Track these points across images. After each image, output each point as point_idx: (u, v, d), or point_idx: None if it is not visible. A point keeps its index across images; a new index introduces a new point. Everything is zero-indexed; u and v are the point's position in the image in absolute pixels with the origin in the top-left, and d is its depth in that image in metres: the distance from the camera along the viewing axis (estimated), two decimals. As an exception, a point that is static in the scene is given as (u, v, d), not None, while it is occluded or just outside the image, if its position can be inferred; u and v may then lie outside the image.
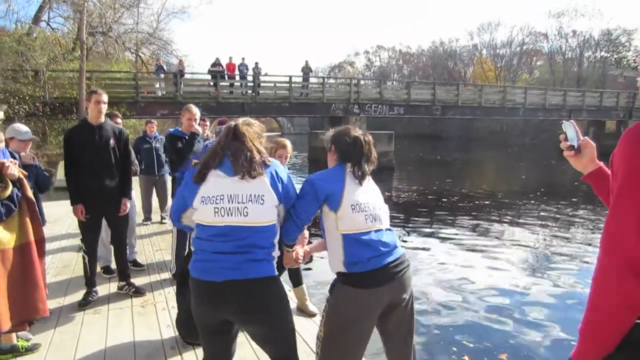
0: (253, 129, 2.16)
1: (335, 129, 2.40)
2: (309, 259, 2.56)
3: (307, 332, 3.51)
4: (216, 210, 1.99)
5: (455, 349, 4.42)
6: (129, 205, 4.21)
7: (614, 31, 44.32)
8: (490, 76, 50.56)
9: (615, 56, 44.27)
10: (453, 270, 6.86)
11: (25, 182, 3.01)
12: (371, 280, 2.09)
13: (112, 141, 4.02)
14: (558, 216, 11.44)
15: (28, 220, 2.99)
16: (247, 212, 1.98)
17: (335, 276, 2.24)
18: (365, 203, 2.17)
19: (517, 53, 51.09)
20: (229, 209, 1.98)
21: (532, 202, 13.41)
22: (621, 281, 1.09)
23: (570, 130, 1.54)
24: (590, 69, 44.76)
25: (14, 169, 2.90)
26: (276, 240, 2.10)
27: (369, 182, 2.28)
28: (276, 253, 2.10)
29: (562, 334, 4.70)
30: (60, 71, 17.42)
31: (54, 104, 16.16)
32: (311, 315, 3.86)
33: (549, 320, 5.07)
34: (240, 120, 2.18)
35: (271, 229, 2.05)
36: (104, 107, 3.95)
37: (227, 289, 1.94)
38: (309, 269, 6.55)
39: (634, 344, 1.11)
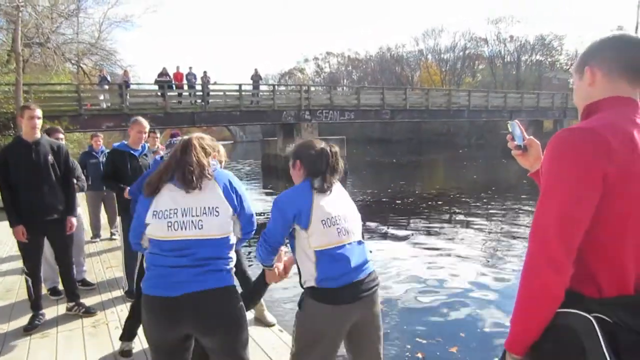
0: (204, 142, 2.13)
1: (297, 144, 2.36)
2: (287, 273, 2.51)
3: (267, 342, 3.52)
4: (169, 224, 1.95)
5: (409, 346, 4.52)
6: (74, 222, 4.05)
7: (547, 36, 47.26)
8: (436, 80, 52.21)
9: (550, 59, 47.26)
10: (407, 270, 7.02)
11: None
12: (341, 297, 2.07)
13: (50, 157, 3.82)
14: (506, 212, 11.98)
15: None
16: (202, 225, 1.96)
17: (302, 290, 2.20)
18: (336, 216, 2.12)
19: (460, 57, 53.11)
20: (183, 222, 1.95)
21: (484, 200, 13.96)
22: (542, 275, 1.19)
23: (516, 130, 1.61)
24: (528, 72, 47.39)
25: None
26: (233, 252, 2.08)
27: (339, 192, 2.24)
28: (233, 263, 2.08)
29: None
30: (-5, 85, 16.49)
31: (-11, 120, 15.28)
32: (269, 325, 3.85)
33: (498, 311, 5.30)
34: (194, 134, 2.15)
35: (227, 241, 2.03)
36: (39, 122, 3.76)
37: (185, 303, 1.91)
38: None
39: (557, 328, 1.20)
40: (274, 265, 2.35)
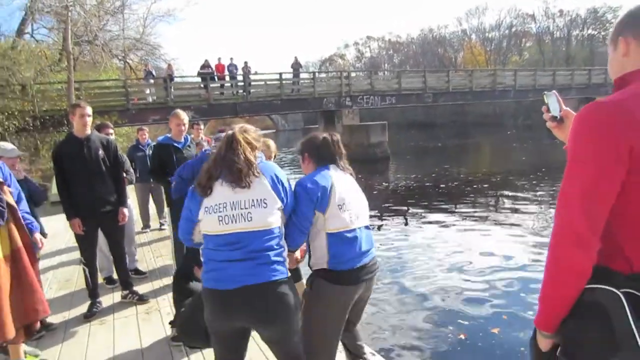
0: (249, 135, 2.13)
1: (301, 140, 2.51)
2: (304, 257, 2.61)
3: None
4: (220, 218, 1.99)
5: (451, 327, 4.54)
6: (127, 213, 4.22)
7: (600, 9, 44.58)
8: (481, 60, 50.57)
9: (603, 33, 44.43)
10: (452, 254, 6.92)
11: (5, 188, 3.02)
12: (349, 279, 2.24)
13: (100, 152, 4.01)
14: (556, 193, 11.50)
15: (13, 226, 3.00)
16: (251, 217, 1.98)
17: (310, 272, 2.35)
18: (349, 202, 2.26)
19: (506, 36, 51.09)
20: (233, 215, 1.98)
21: (533, 182, 13.45)
22: (567, 251, 1.18)
23: (553, 101, 1.56)
24: (579, 48, 44.95)
25: None
26: (283, 242, 2.10)
27: (350, 179, 2.39)
28: (286, 253, 2.10)
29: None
30: (48, 83, 17.26)
31: (44, 118, 15.99)
32: None
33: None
34: (237, 128, 2.15)
35: (278, 232, 2.06)
36: (89, 120, 3.95)
37: (241, 296, 1.94)
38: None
39: (585, 304, 1.19)
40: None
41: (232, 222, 1.98)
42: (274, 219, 2.03)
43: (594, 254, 1.17)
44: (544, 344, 1.30)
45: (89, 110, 3.94)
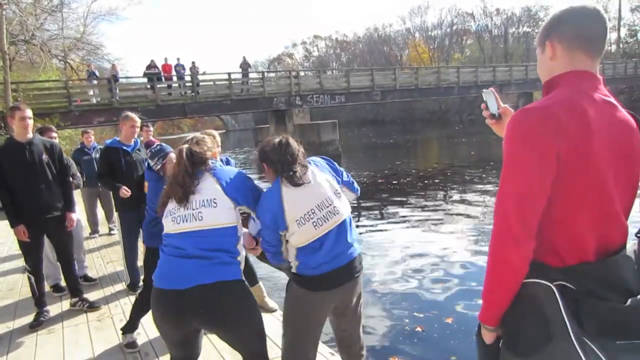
0: (199, 148, 2.17)
1: (257, 148, 2.38)
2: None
3: (270, 327, 3.57)
4: (173, 219, 2.06)
5: (407, 320, 4.66)
6: (74, 218, 4.11)
7: (533, 7, 47.31)
8: (425, 58, 52.04)
9: (537, 30, 46.98)
10: (404, 248, 7.12)
11: None
12: (320, 284, 2.14)
13: (44, 156, 3.86)
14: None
15: None
16: (201, 217, 2.02)
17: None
18: (309, 211, 2.09)
19: (448, 34, 52.93)
20: (185, 216, 2.04)
21: (482, 175, 13.99)
22: (504, 250, 1.26)
23: (490, 98, 1.64)
24: (515, 45, 47.36)
25: None
26: (240, 246, 2.10)
27: (313, 178, 2.16)
28: (242, 258, 2.12)
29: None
30: (-19, 85, 16.31)
31: (-22, 121, 15.14)
32: (271, 310, 3.94)
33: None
34: (185, 146, 2.17)
35: (231, 232, 2.06)
36: (30, 123, 3.79)
37: (193, 295, 1.94)
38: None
39: (522, 297, 1.28)
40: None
41: (183, 221, 2.03)
42: (227, 218, 2.05)
43: (530, 253, 1.25)
44: (488, 337, 1.39)
45: (29, 112, 3.77)
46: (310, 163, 2.23)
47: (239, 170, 2.24)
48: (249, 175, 2.25)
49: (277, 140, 2.22)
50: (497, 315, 1.34)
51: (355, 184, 2.42)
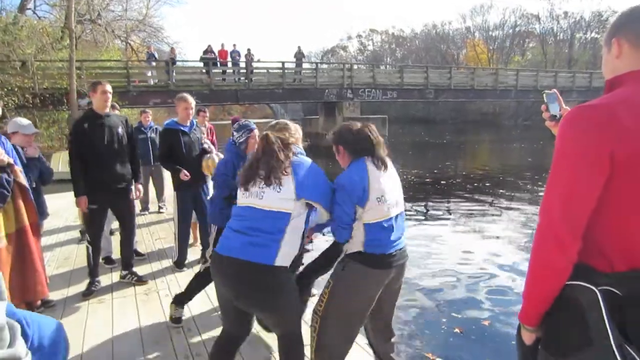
0: (284, 134, 2.29)
1: (334, 130, 2.45)
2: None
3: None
4: (242, 192, 2.23)
5: (444, 319, 4.61)
6: (141, 189, 4.37)
7: (604, 12, 44.58)
8: (483, 58, 50.52)
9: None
10: (446, 249, 6.97)
11: (16, 168, 3.06)
12: (383, 262, 2.26)
13: (120, 129, 4.09)
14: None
15: (22, 205, 3.07)
16: (262, 196, 2.13)
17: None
18: (387, 193, 2.26)
19: (510, 35, 51.10)
20: (251, 191, 2.18)
21: (539, 183, 13.44)
22: (547, 251, 1.24)
23: (552, 99, 1.58)
24: (581, 50, 45.08)
25: (1, 156, 2.97)
26: (290, 233, 2.13)
27: (389, 168, 2.34)
28: (285, 242, 2.12)
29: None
30: (49, 61, 17.13)
31: (44, 95, 15.93)
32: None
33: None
34: (270, 129, 2.33)
35: (283, 217, 2.11)
36: (110, 97, 4.02)
37: (227, 265, 2.12)
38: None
39: (563, 300, 1.24)
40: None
41: (248, 196, 2.19)
42: (284, 205, 2.11)
43: (574, 255, 1.21)
44: (528, 337, 1.36)
45: (109, 87, 4.02)
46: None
47: (312, 163, 2.26)
48: (320, 170, 2.26)
49: (359, 125, 2.37)
50: (537, 316, 1.31)
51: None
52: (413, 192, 12.72)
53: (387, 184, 2.27)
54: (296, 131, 2.42)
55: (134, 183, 4.26)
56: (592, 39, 45.56)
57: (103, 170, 3.95)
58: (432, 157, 21.60)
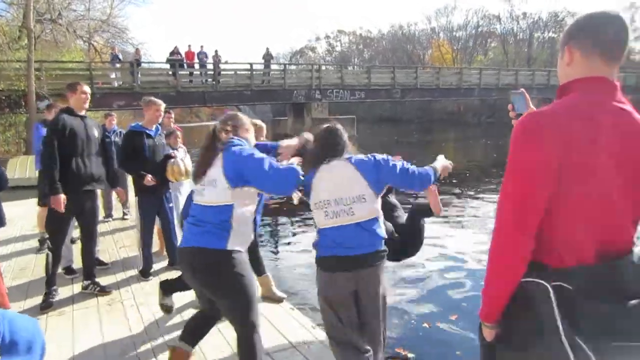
0: (224, 126, 2.40)
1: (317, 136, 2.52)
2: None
3: (277, 318, 3.60)
4: (193, 193, 2.50)
5: (413, 314, 4.68)
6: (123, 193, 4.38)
7: (560, 13, 46.30)
8: (448, 58, 51.43)
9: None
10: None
11: None
12: (332, 265, 2.33)
13: (96, 132, 4.07)
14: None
15: None
16: (203, 193, 2.34)
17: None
18: (326, 200, 2.33)
19: (473, 35, 52.18)
20: (197, 189, 2.39)
21: (500, 177, 13.74)
22: (503, 254, 1.31)
23: (519, 99, 1.63)
24: (540, 49, 46.57)
25: None
26: (232, 221, 2.28)
27: (343, 173, 2.35)
28: (238, 235, 2.30)
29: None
30: (6, 61, 16.36)
31: (0, 98, 15.31)
32: (279, 300, 3.94)
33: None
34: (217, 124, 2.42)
35: (224, 210, 2.28)
36: (89, 98, 4.06)
37: (185, 255, 2.34)
38: (277, 258, 6.65)
39: (518, 296, 1.30)
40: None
41: (195, 195, 2.42)
42: (222, 198, 2.27)
43: (527, 253, 1.29)
44: (488, 334, 1.42)
45: (87, 88, 4.07)
46: (350, 160, 2.35)
47: (240, 148, 2.31)
48: (248, 151, 2.30)
49: (319, 130, 2.47)
50: (495, 313, 1.37)
51: (413, 172, 2.45)
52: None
53: (327, 193, 2.34)
54: (246, 122, 2.50)
55: (111, 188, 4.29)
56: (550, 39, 47.18)
57: (79, 168, 3.89)
58: (402, 156, 21.71)
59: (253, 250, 3.61)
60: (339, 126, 2.48)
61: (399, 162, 2.37)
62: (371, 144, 26.42)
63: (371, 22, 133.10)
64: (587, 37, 1.30)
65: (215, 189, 2.26)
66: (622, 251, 1.31)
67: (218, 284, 2.29)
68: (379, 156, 2.37)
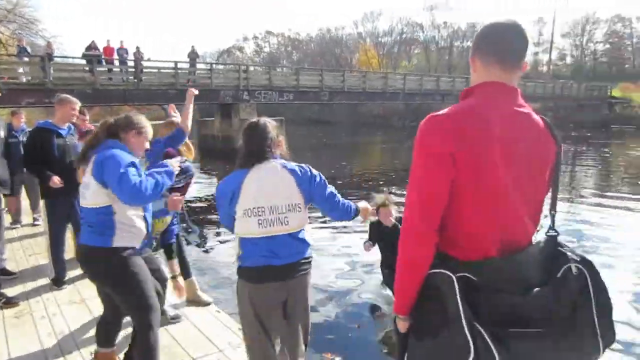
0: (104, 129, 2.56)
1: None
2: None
3: (203, 322, 3.56)
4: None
5: (341, 316, 4.68)
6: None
7: (477, 24, 49.39)
8: (374, 63, 53.03)
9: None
10: (344, 248, 7.16)
11: None
12: (257, 276, 2.22)
13: (2, 132, 3.80)
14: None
15: None
16: (85, 195, 2.45)
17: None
18: (260, 207, 2.17)
19: (398, 42, 54.29)
20: (81, 192, 2.51)
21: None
22: (411, 249, 1.38)
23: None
24: (459, 58, 49.41)
25: None
26: (115, 219, 2.40)
27: (276, 179, 2.22)
28: (124, 232, 2.42)
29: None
30: None
31: None
32: (205, 304, 3.89)
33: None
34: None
35: (103, 210, 2.40)
36: None
37: (79, 253, 2.58)
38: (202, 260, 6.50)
39: (426, 287, 1.38)
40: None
41: (81, 198, 2.53)
42: (95, 200, 2.40)
43: (432, 247, 1.37)
44: (402, 326, 1.48)
45: None
46: (286, 167, 2.24)
47: (104, 151, 2.40)
48: (111, 154, 2.37)
49: (247, 126, 2.33)
50: (406, 305, 1.43)
51: (338, 200, 2.42)
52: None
53: (261, 199, 2.18)
54: (135, 123, 2.57)
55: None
56: (468, 47, 50.12)
57: None
58: (329, 157, 22.11)
59: (179, 253, 3.65)
60: (264, 120, 2.33)
61: (330, 186, 2.36)
62: (300, 146, 26.58)
63: (299, 25, 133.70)
64: (486, 47, 1.41)
65: (89, 191, 2.40)
66: (523, 245, 1.40)
67: (106, 280, 2.48)
68: (314, 170, 2.32)
